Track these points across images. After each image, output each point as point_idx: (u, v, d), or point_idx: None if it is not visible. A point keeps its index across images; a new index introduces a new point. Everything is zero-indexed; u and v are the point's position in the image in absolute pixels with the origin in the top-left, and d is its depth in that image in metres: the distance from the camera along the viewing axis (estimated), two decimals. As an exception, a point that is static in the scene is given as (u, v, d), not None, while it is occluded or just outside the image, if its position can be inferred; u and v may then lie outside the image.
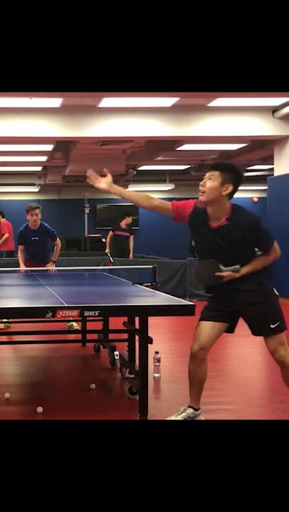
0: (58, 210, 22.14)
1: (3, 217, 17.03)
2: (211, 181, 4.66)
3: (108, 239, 16.11)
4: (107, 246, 16.04)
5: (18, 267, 9.78)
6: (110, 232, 16.07)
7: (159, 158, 16.16)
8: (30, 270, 9.36)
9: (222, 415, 4.87)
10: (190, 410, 4.96)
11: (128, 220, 15.87)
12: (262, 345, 4.84)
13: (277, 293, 4.80)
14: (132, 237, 15.97)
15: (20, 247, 9.82)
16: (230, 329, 4.95)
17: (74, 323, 8.97)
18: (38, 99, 10.32)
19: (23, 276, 9.15)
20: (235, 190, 4.69)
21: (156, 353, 6.83)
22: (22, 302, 6.05)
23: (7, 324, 8.89)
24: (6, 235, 16.44)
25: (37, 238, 9.63)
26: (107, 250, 15.89)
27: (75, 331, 8.60)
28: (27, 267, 9.64)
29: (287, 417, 5.22)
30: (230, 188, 4.64)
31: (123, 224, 16.00)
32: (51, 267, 9.57)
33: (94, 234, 21.89)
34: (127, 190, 5.28)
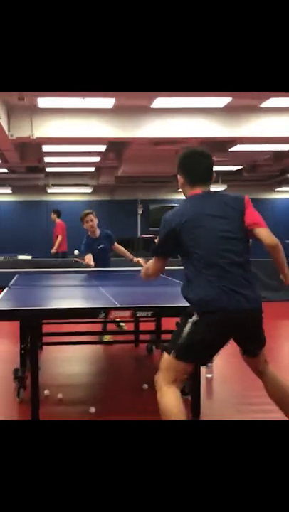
0: (110, 210, 22.18)
1: (58, 217, 17.12)
2: None
3: None
4: None
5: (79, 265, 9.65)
6: None
7: (211, 158, 16.06)
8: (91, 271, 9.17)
9: (276, 415, 4.82)
10: None
11: None
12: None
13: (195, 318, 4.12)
14: None
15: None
16: None
17: (122, 323, 8.87)
18: (91, 100, 10.36)
19: (76, 277, 9.19)
20: (188, 179, 4.45)
21: (209, 353, 6.81)
22: (75, 303, 6.08)
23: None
24: (60, 238, 16.54)
25: (103, 245, 9.17)
26: None
27: (128, 332, 8.60)
28: None
29: None
30: (180, 177, 4.50)
31: None
32: (139, 259, 8.98)
33: (147, 234, 21.87)
34: None
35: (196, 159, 4.45)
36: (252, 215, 4.25)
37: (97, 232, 9.16)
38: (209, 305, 4.05)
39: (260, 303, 4.22)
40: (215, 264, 4.09)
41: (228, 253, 4.12)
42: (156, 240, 4.40)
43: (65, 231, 16.66)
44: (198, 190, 4.39)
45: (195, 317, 4.09)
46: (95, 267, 8.83)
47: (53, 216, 17.19)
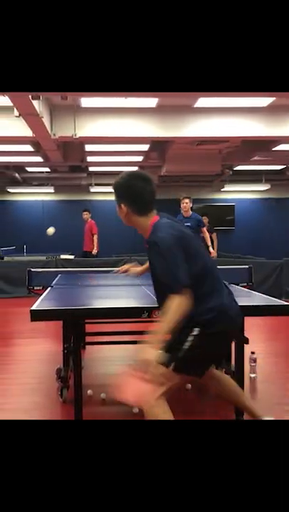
0: (153, 210, 22.16)
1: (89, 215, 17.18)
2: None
3: None
4: None
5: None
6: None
7: (254, 158, 16.03)
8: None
9: None
10: None
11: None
12: None
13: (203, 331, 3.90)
14: (214, 235, 16.26)
15: None
16: None
17: None
18: (134, 99, 10.37)
19: (118, 277, 9.19)
20: (135, 205, 4.15)
21: (252, 353, 6.79)
22: (118, 302, 6.08)
23: None
24: (96, 237, 16.60)
25: (189, 224, 11.28)
26: None
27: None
28: None
29: None
30: (124, 207, 4.16)
31: None
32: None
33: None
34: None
35: (140, 186, 4.18)
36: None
37: (189, 212, 12.14)
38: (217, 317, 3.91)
39: None
40: (213, 277, 4.03)
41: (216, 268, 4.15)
42: (165, 268, 3.82)
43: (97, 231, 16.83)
44: (155, 216, 4.21)
45: (197, 330, 3.89)
46: None
47: (87, 215, 17.19)
